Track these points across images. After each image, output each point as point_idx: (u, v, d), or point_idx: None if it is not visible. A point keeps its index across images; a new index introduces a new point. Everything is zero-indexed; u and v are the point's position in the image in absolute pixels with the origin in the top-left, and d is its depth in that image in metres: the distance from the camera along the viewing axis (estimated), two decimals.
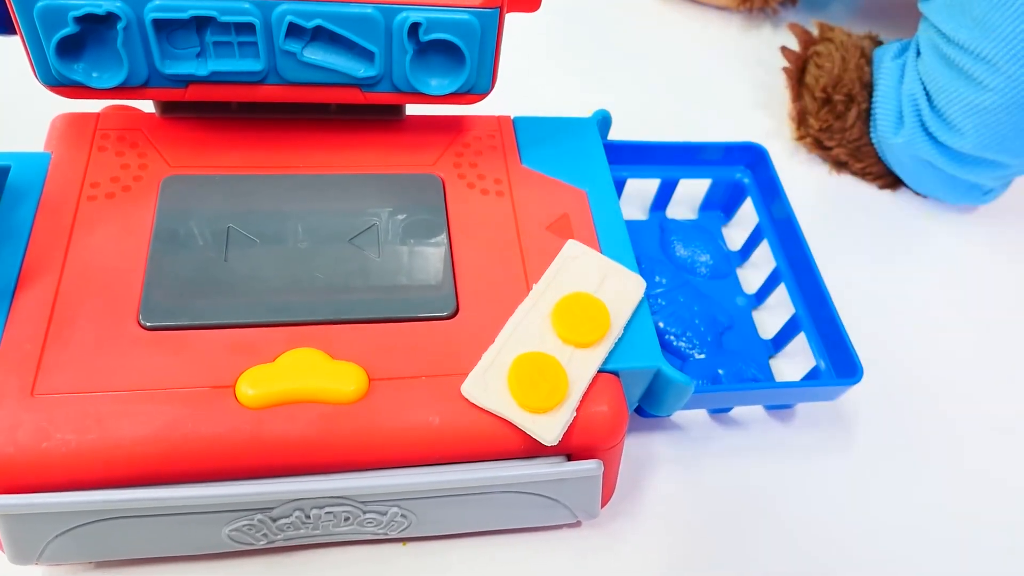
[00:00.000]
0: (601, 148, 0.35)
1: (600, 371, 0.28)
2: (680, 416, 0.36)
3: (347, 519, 0.27)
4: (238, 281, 0.28)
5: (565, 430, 0.26)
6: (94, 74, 0.27)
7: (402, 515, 0.27)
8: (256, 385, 0.25)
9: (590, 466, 0.27)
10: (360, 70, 0.28)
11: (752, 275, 0.41)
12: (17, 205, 0.29)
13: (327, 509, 0.26)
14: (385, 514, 0.27)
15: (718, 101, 0.50)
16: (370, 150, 0.33)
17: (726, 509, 0.33)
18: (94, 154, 0.31)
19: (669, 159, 0.40)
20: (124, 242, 0.28)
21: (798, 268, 0.37)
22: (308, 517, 0.26)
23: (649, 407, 0.31)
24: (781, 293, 0.39)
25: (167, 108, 0.32)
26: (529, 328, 0.28)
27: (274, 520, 0.26)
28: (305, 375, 0.26)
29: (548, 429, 0.26)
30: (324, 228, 0.30)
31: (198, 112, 0.32)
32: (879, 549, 0.33)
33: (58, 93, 0.28)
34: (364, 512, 0.27)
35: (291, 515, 0.26)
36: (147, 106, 0.33)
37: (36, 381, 0.25)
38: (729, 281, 0.40)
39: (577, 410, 0.27)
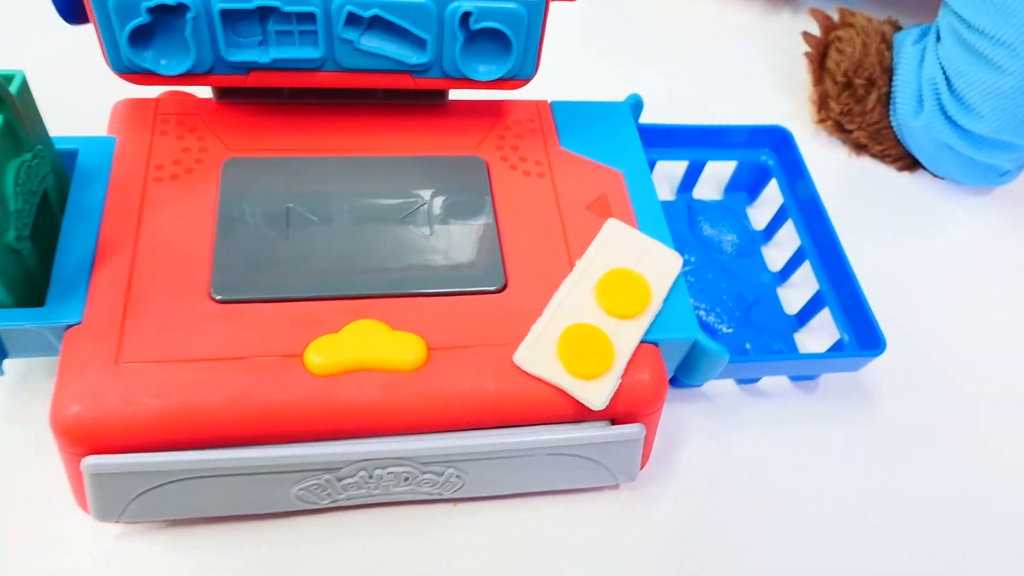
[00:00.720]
0: (635, 131, 0.37)
1: (641, 342, 0.30)
2: (710, 387, 0.37)
3: (406, 479, 0.29)
4: (300, 257, 0.30)
5: (611, 396, 0.28)
6: (162, 61, 0.29)
7: (457, 476, 0.29)
8: (323, 354, 0.27)
9: (633, 430, 0.29)
10: (412, 57, 0.30)
11: (775, 254, 0.43)
12: (87, 187, 0.30)
13: (389, 469, 0.28)
14: (441, 475, 0.29)
15: (739, 84, 0.51)
16: (416, 133, 0.34)
17: (753, 474, 0.35)
18: (156, 138, 0.32)
19: (696, 142, 0.41)
20: (190, 221, 0.30)
21: (822, 246, 0.39)
22: (371, 477, 0.28)
23: (684, 377, 0.33)
24: (803, 271, 0.40)
25: (223, 93, 0.33)
26: (575, 301, 0.30)
27: (340, 480, 0.28)
28: (369, 345, 0.27)
29: (596, 395, 0.28)
30: (377, 207, 0.31)
31: (251, 97, 0.34)
32: (897, 515, 0.35)
33: (126, 79, 0.30)
34: (423, 472, 0.28)
35: (356, 475, 0.28)
36: (197, 90, 0.34)
37: (120, 351, 0.26)
38: (754, 259, 0.42)
39: (621, 377, 0.29)
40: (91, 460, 0.25)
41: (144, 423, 0.26)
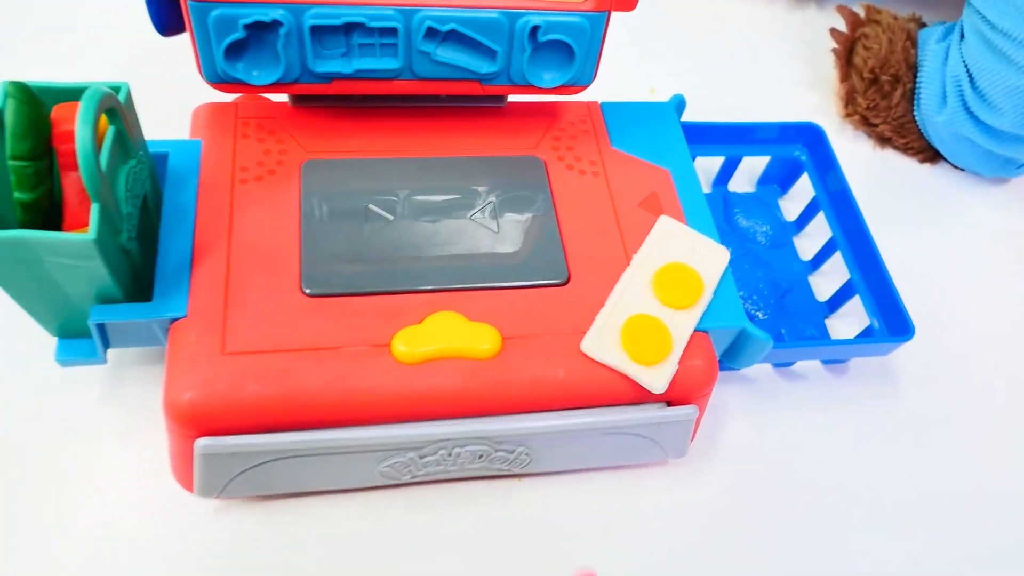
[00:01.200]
0: (680, 130, 0.39)
1: (695, 330, 0.32)
2: (749, 371, 0.40)
3: (481, 457, 0.31)
4: (380, 254, 0.32)
5: (670, 380, 0.31)
6: (254, 72, 0.31)
7: (526, 453, 0.32)
8: (409, 344, 0.30)
9: (688, 411, 0.32)
10: (483, 67, 0.32)
11: (806, 244, 0.45)
12: (180, 188, 0.33)
13: (467, 448, 0.30)
14: (512, 452, 0.31)
15: (766, 79, 0.53)
16: (478, 134, 0.36)
17: (789, 450, 0.38)
18: (239, 141, 0.34)
19: (733, 138, 0.43)
20: (277, 220, 0.32)
21: (853, 236, 0.41)
22: (450, 455, 0.31)
23: (729, 361, 0.36)
24: (831, 260, 0.43)
25: (298, 99, 0.36)
26: (634, 293, 0.32)
27: (422, 458, 0.31)
28: (449, 335, 0.30)
29: (657, 379, 0.30)
30: (448, 206, 0.34)
31: (324, 102, 0.36)
32: (921, 490, 0.38)
33: (218, 88, 0.32)
34: (496, 451, 0.31)
35: (436, 453, 0.30)
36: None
37: (224, 342, 0.29)
38: (787, 249, 0.44)
39: (679, 363, 0.31)
40: (204, 442, 0.28)
41: (250, 408, 0.28)
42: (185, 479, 0.32)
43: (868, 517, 0.36)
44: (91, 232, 0.26)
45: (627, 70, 0.52)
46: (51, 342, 0.33)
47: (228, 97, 0.35)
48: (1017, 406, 0.41)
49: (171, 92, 0.37)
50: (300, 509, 0.33)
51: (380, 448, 0.30)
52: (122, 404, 0.35)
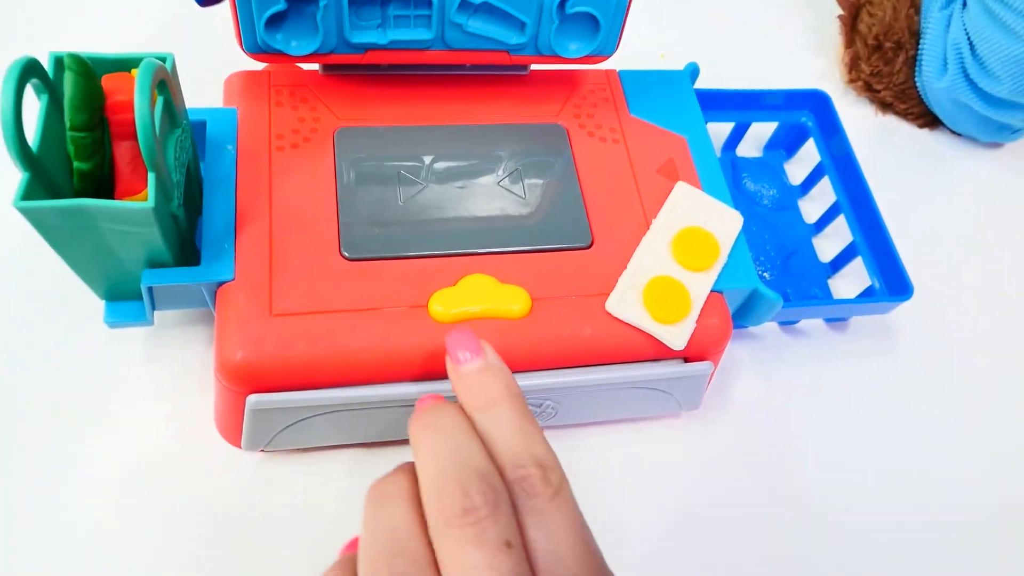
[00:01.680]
0: (694, 98, 0.40)
1: (711, 291, 0.34)
2: (756, 329, 0.42)
3: None
4: (414, 219, 0.34)
5: (689, 338, 0.33)
6: (293, 43, 0.32)
7: (552, 406, 0.34)
8: (445, 304, 0.31)
9: (704, 366, 0.34)
10: (513, 38, 0.33)
11: (810, 207, 0.47)
12: (219, 156, 0.34)
13: None
14: (540, 405, 0.34)
15: (773, 43, 0.55)
16: (502, 102, 0.38)
17: (794, 401, 0.40)
18: (273, 108, 0.35)
19: (742, 105, 0.45)
20: (314, 186, 0.34)
21: (856, 200, 0.43)
22: None
23: (740, 319, 0.38)
24: (836, 222, 0.45)
25: (328, 67, 0.37)
26: (654, 256, 0.34)
27: None
28: (483, 296, 0.32)
29: (677, 337, 0.32)
30: (476, 172, 0.35)
31: (354, 70, 0.37)
32: (917, 436, 0.40)
33: (256, 59, 0.33)
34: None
35: None
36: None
37: (272, 304, 0.30)
38: (792, 212, 0.46)
39: (696, 322, 0.33)
40: (255, 398, 0.30)
41: (297, 366, 0.30)
42: (230, 434, 0.34)
43: (868, 463, 0.39)
44: (149, 200, 0.27)
45: (637, 36, 0.53)
46: (94, 308, 0.35)
47: (258, 65, 0.36)
48: (1006, 362, 0.44)
49: (192, 61, 0.38)
50: (339, 460, 0.35)
51: (413, 403, 0.32)
52: (163, 363, 0.37)
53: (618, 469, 0.37)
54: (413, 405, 0.32)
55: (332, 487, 0.35)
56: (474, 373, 0.26)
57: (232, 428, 0.33)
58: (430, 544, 0.22)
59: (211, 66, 0.37)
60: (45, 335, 0.36)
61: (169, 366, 0.37)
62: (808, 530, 0.37)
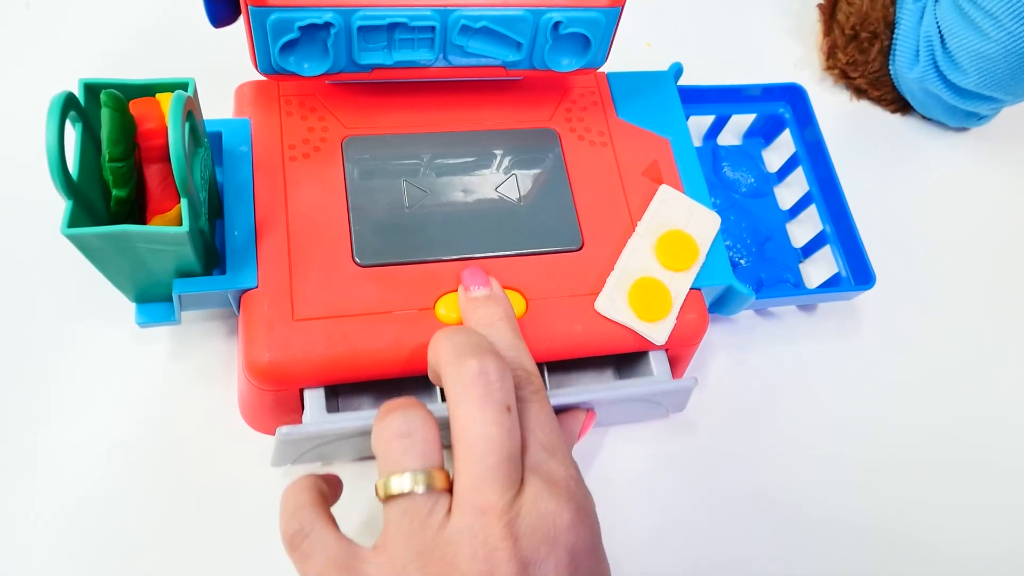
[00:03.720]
0: (678, 100, 0.43)
1: (690, 288, 0.38)
2: None
3: None
4: (419, 226, 0.36)
5: (670, 333, 0.36)
6: (305, 65, 0.34)
7: None
8: (449, 308, 0.35)
9: (689, 383, 0.36)
10: (509, 56, 0.36)
11: (785, 193, 0.50)
12: (237, 166, 0.36)
13: None
14: None
15: (754, 31, 0.57)
16: (497, 107, 0.40)
17: (767, 380, 0.44)
18: (284, 119, 0.38)
19: (721, 99, 0.47)
20: (326, 195, 0.36)
21: (826, 190, 0.46)
22: None
23: (717, 310, 0.41)
24: (809, 209, 0.48)
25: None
26: (639, 258, 0.37)
27: None
28: None
29: (660, 333, 0.36)
30: (474, 179, 0.38)
31: (357, 80, 0.39)
32: (879, 406, 0.44)
33: (269, 78, 0.35)
34: None
35: None
36: None
37: (294, 309, 0.34)
38: (768, 199, 0.49)
39: (676, 319, 0.37)
40: (284, 430, 0.31)
41: (318, 365, 0.33)
42: (255, 422, 0.37)
43: (835, 435, 0.43)
44: (184, 225, 0.30)
45: (623, 23, 0.55)
46: (122, 309, 0.38)
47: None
48: (964, 341, 0.48)
49: (193, 65, 0.41)
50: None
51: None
52: (187, 357, 0.40)
53: (600, 442, 0.41)
54: None
55: (347, 468, 0.39)
56: (482, 298, 0.33)
57: (256, 417, 0.37)
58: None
59: (209, 65, 0.39)
60: (76, 333, 0.39)
61: (194, 360, 0.40)
62: (779, 501, 0.41)
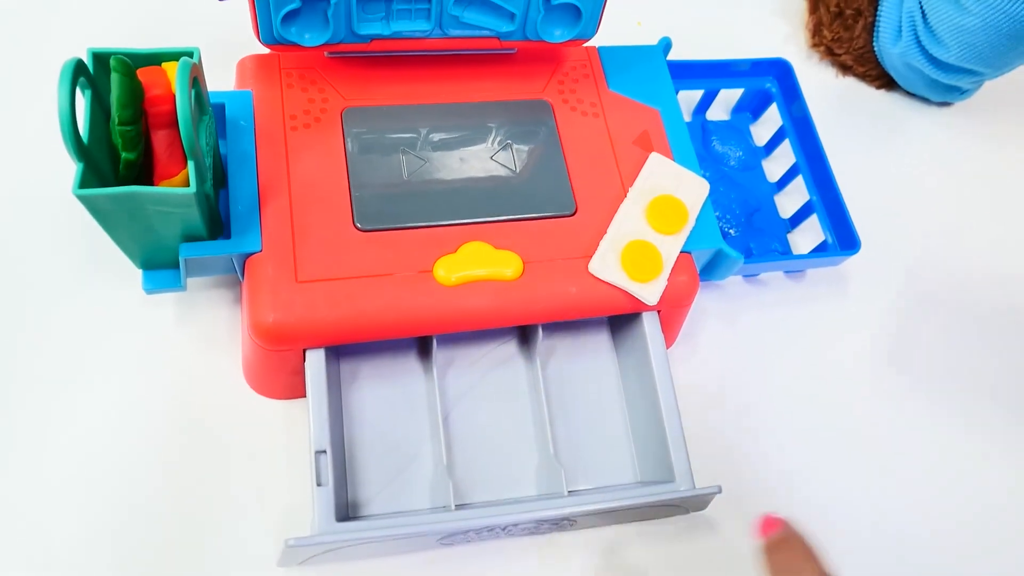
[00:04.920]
0: (667, 72, 0.44)
1: (681, 252, 0.39)
2: (722, 281, 0.47)
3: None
4: (418, 192, 0.38)
5: (661, 294, 0.37)
6: (306, 35, 0.35)
7: (570, 523, 0.37)
8: (447, 270, 0.36)
9: (713, 489, 0.36)
10: (503, 26, 0.37)
11: (773, 167, 0.51)
12: (240, 136, 0.37)
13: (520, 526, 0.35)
14: (558, 523, 0.37)
15: (742, 8, 0.58)
16: (493, 79, 0.41)
17: (756, 342, 0.45)
18: (285, 91, 0.39)
19: (711, 73, 0.49)
20: (326, 163, 0.38)
21: (812, 161, 0.47)
22: (504, 530, 0.35)
23: (707, 275, 0.42)
24: (796, 181, 0.49)
25: (334, 52, 0.40)
26: (631, 222, 0.39)
27: (477, 533, 0.35)
28: (480, 262, 0.36)
29: (651, 293, 0.37)
30: (470, 148, 0.39)
31: (355, 53, 0.40)
32: (865, 362, 0.46)
33: (270, 48, 0.36)
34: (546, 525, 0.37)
35: (492, 530, 0.35)
36: None
37: (297, 272, 0.35)
38: (756, 172, 0.51)
39: (668, 280, 0.38)
40: (292, 541, 0.31)
41: (321, 326, 0.34)
42: (258, 384, 0.38)
43: (821, 387, 0.45)
44: (192, 186, 0.31)
45: (613, 3, 0.56)
46: (130, 277, 0.39)
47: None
48: (941, 302, 0.49)
49: (197, 39, 0.41)
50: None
51: (441, 533, 0.34)
52: (191, 322, 0.41)
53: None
54: (426, 536, 0.34)
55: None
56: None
57: (260, 379, 0.38)
58: None
59: (212, 40, 0.40)
60: (86, 298, 0.40)
61: (200, 326, 0.41)
62: (766, 454, 0.42)
